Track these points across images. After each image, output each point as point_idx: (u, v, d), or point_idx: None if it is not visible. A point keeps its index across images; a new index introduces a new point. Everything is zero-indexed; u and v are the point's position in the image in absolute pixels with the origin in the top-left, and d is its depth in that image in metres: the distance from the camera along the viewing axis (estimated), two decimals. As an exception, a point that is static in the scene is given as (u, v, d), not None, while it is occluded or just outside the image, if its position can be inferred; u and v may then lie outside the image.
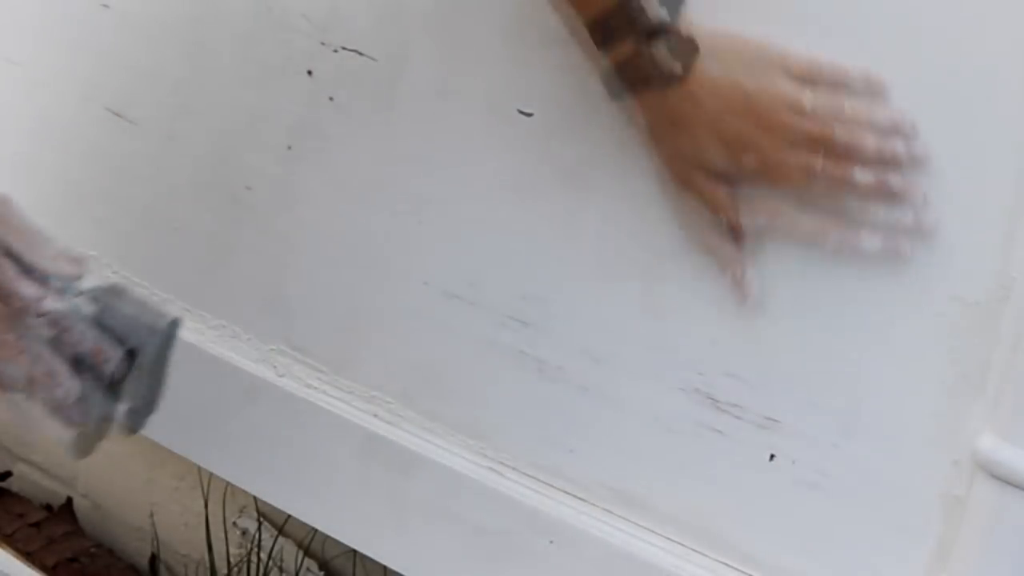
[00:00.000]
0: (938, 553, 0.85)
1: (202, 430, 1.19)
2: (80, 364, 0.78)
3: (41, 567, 1.46)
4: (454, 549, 1.04)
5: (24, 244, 0.79)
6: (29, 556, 1.48)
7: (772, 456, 0.91)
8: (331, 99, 1.09)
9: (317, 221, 1.12)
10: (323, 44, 1.09)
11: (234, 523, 1.46)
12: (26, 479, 1.63)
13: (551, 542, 0.99)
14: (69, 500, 1.62)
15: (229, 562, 1.44)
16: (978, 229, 0.83)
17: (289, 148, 1.12)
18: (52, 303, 0.78)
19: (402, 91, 1.06)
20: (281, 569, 1.43)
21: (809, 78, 0.86)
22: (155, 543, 1.55)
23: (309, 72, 1.10)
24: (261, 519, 1.43)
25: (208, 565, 1.45)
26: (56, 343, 0.78)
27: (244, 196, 1.16)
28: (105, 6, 1.23)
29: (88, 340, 0.78)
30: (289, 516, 1.33)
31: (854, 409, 0.88)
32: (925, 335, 0.85)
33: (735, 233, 0.89)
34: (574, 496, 1.00)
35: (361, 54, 1.07)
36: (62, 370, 0.78)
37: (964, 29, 0.83)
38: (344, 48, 1.08)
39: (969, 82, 0.83)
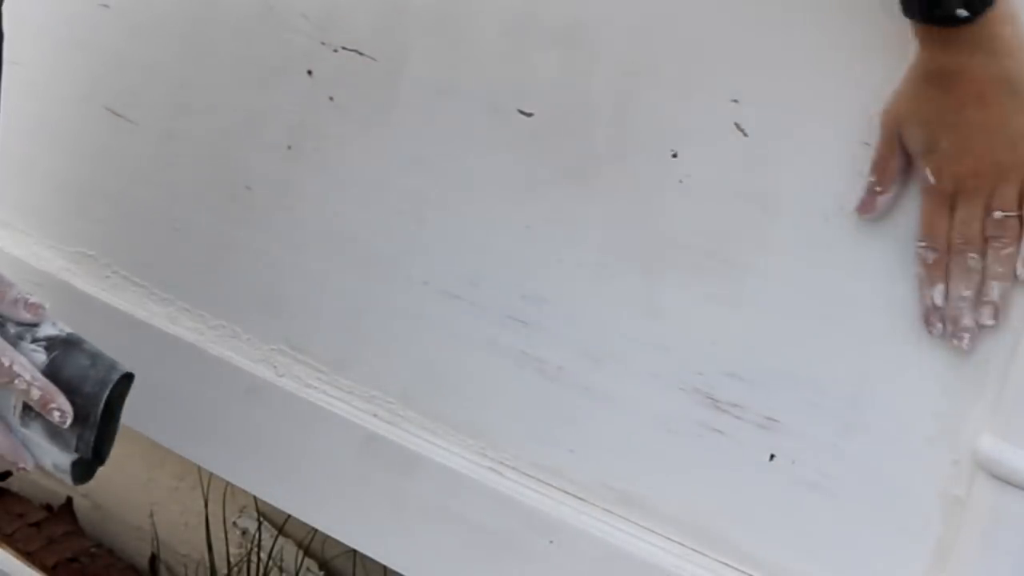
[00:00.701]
0: (938, 553, 0.85)
1: (202, 430, 1.19)
2: (28, 411, 0.78)
3: (41, 567, 1.46)
4: (454, 549, 1.04)
5: None
6: (29, 556, 1.48)
7: (772, 456, 0.91)
8: (331, 99, 1.09)
9: (317, 221, 1.12)
10: (323, 44, 1.09)
11: (234, 523, 1.46)
12: (26, 479, 1.63)
13: (551, 542, 0.99)
14: (69, 500, 1.62)
15: (229, 562, 1.44)
16: (978, 229, 0.83)
17: (289, 148, 1.12)
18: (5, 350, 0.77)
19: (402, 91, 1.05)
20: (281, 569, 1.43)
21: None
22: (155, 543, 1.55)
23: (309, 72, 1.10)
24: (261, 519, 1.43)
25: (208, 565, 1.45)
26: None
27: (244, 196, 1.16)
28: (105, 6, 1.23)
29: (37, 388, 0.77)
30: (289, 516, 1.33)
31: (854, 409, 0.88)
32: (925, 335, 0.85)
33: None
34: (574, 496, 1.00)
35: (361, 54, 1.07)
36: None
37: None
38: (344, 48, 1.08)
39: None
